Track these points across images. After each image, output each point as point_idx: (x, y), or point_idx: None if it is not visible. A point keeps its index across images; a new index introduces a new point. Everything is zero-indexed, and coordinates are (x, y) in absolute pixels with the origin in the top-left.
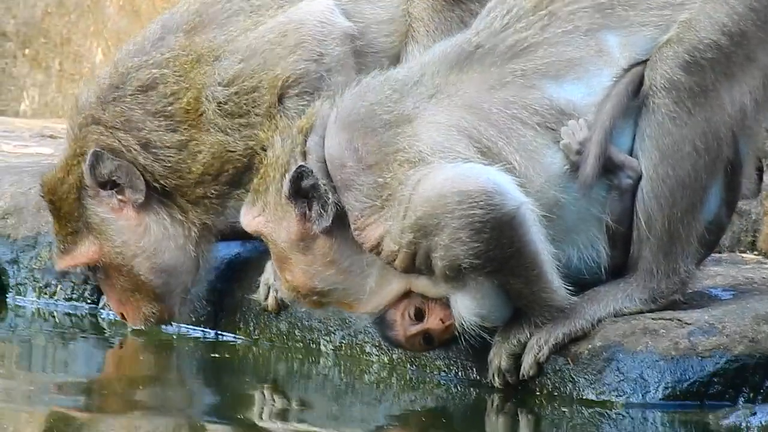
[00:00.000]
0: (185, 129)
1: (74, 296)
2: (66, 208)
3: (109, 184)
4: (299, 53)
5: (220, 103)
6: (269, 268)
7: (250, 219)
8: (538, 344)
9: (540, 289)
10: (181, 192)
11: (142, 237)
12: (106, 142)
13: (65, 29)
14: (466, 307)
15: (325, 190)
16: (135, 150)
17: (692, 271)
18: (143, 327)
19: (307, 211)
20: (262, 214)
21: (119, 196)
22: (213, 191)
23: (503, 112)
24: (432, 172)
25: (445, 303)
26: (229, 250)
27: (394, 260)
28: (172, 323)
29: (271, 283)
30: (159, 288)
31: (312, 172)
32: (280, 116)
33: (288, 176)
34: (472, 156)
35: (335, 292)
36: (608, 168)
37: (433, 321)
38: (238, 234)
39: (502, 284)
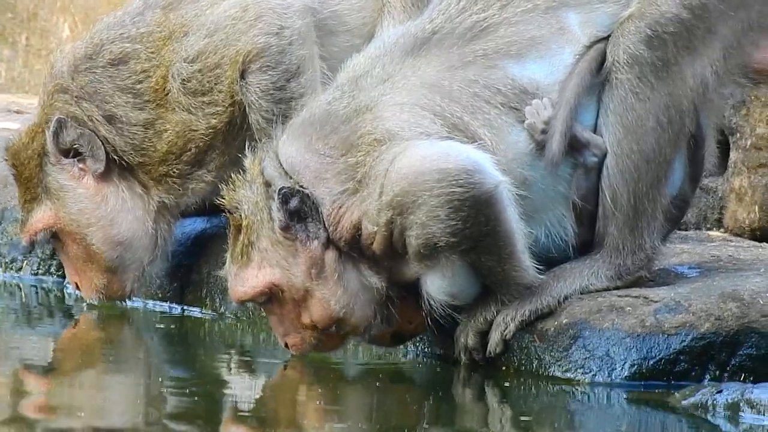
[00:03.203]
0: (152, 108)
1: (40, 271)
2: (27, 174)
3: (71, 152)
4: (259, 27)
5: (185, 80)
6: None
7: (252, 281)
8: (504, 321)
9: (511, 267)
10: (143, 169)
11: (99, 207)
12: (70, 110)
13: (32, 4)
14: (437, 287)
15: (308, 195)
16: (97, 121)
17: (658, 246)
18: (95, 300)
19: (307, 231)
20: (263, 266)
21: (80, 165)
22: (175, 170)
23: (465, 90)
24: (408, 148)
25: (412, 304)
26: (195, 225)
27: (372, 243)
28: (125, 299)
29: None
30: (112, 261)
31: (295, 189)
32: (243, 92)
33: (274, 207)
34: (439, 131)
35: (349, 314)
36: (574, 146)
37: (401, 324)
38: (203, 210)
39: (473, 262)
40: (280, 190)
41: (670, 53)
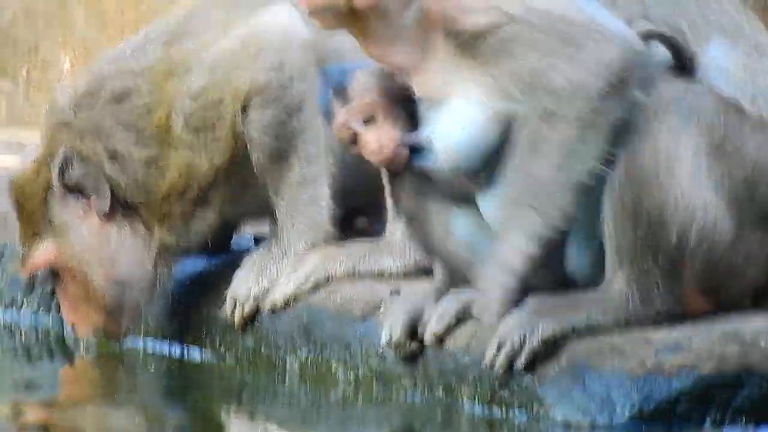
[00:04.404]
0: (155, 145)
1: (41, 310)
2: (30, 208)
3: (76, 189)
4: (260, 62)
5: (187, 116)
6: (235, 281)
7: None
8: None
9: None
10: (146, 208)
11: (102, 245)
12: (75, 146)
13: (33, 38)
14: None
15: None
16: (102, 158)
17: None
18: (91, 338)
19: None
20: None
21: (85, 202)
22: (178, 209)
23: None
24: None
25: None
26: (196, 263)
27: None
28: (123, 339)
29: (238, 298)
30: (111, 299)
31: None
32: (244, 128)
33: None
34: None
35: None
36: None
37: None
38: (205, 248)
39: None
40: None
41: None
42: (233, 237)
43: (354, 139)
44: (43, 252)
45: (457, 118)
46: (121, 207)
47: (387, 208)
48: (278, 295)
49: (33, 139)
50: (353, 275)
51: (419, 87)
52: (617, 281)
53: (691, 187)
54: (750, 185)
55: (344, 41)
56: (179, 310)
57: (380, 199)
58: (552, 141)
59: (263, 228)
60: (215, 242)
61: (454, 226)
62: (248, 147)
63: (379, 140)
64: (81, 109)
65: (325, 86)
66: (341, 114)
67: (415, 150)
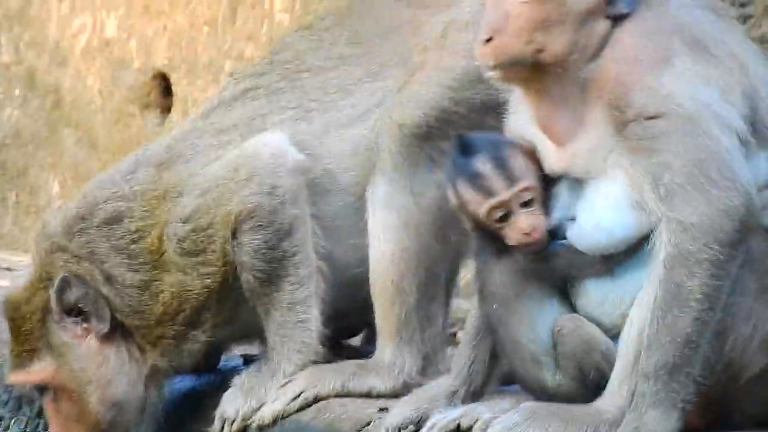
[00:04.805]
0: (148, 269)
1: (28, 430)
2: (27, 327)
3: (75, 311)
4: (251, 186)
5: (180, 240)
6: (224, 401)
7: None
8: None
9: None
10: (140, 331)
11: (100, 367)
12: (72, 269)
13: (22, 161)
14: None
15: None
16: (99, 281)
17: None
18: None
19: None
20: None
21: (84, 324)
22: (171, 332)
23: None
24: None
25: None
26: (185, 382)
27: None
28: None
29: (227, 417)
30: (103, 420)
31: None
32: (235, 252)
33: None
34: None
35: None
36: None
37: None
38: (196, 368)
39: None
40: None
41: None
42: (223, 356)
43: (503, 219)
44: (42, 370)
45: (602, 200)
46: (119, 328)
47: (376, 329)
48: (267, 413)
49: (22, 263)
50: (342, 394)
51: (563, 161)
52: (613, 401)
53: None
54: None
55: (334, 163)
56: (169, 430)
57: (370, 320)
58: (694, 290)
59: (252, 348)
60: (205, 362)
61: (541, 321)
62: (239, 270)
63: (532, 224)
64: (75, 233)
65: (468, 154)
66: (503, 193)
67: (553, 231)
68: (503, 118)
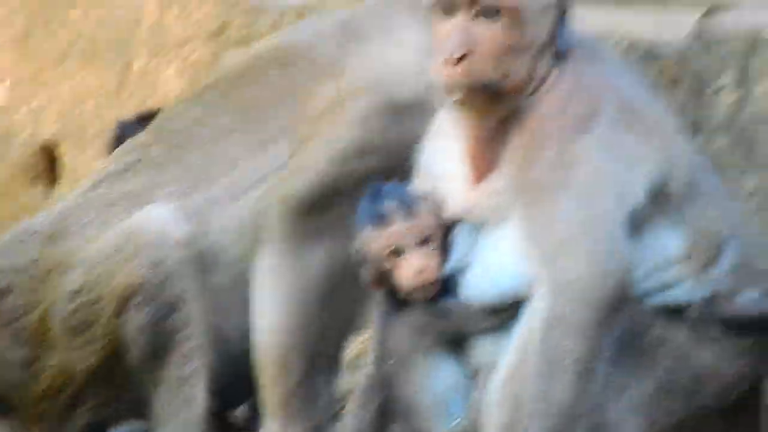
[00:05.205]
0: (32, 345)
1: None
2: None
3: None
4: (138, 261)
5: (65, 317)
6: None
7: None
8: None
9: None
10: (22, 408)
11: None
12: None
13: None
14: None
15: None
16: None
17: None
18: None
19: None
20: None
21: None
22: (54, 409)
23: None
24: None
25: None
26: None
27: None
28: None
29: None
30: None
31: None
32: (123, 327)
33: None
34: None
35: None
36: None
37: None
38: None
39: None
40: None
41: None
42: None
43: (395, 254)
44: None
45: (494, 248)
46: (1, 404)
47: (261, 403)
48: None
49: None
50: None
51: (470, 201)
52: None
53: None
54: None
55: (220, 238)
56: None
57: (256, 394)
58: (567, 354)
59: (140, 425)
60: None
61: (438, 378)
62: (125, 346)
63: (425, 264)
64: None
65: (376, 201)
66: (400, 227)
67: (446, 282)
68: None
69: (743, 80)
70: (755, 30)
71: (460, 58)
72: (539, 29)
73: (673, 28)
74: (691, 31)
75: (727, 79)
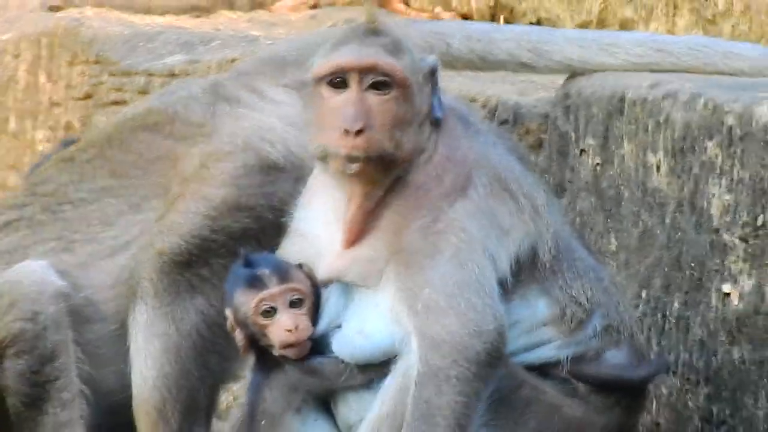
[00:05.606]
0: None
1: None
2: None
3: None
4: (14, 313)
5: None
6: None
7: None
8: None
9: None
10: None
11: None
12: None
13: None
14: None
15: None
16: None
17: None
18: None
19: None
20: None
21: None
22: None
23: None
24: None
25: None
26: None
27: None
28: None
29: None
30: None
31: None
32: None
33: None
34: None
35: None
36: None
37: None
38: None
39: None
40: None
41: None
42: None
43: (268, 315)
44: None
45: (368, 307)
46: None
47: None
48: None
49: None
50: None
51: (342, 263)
52: None
53: None
54: None
55: (95, 292)
56: None
57: None
58: (442, 407)
59: None
60: None
61: None
62: (4, 394)
63: (296, 323)
64: None
65: (249, 267)
66: (273, 288)
67: (318, 341)
68: (260, 246)
69: (606, 142)
70: (618, 93)
71: (360, 130)
72: (422, 100)
73: (538, 91)
74: (555, 94)
75: (590, 141)
